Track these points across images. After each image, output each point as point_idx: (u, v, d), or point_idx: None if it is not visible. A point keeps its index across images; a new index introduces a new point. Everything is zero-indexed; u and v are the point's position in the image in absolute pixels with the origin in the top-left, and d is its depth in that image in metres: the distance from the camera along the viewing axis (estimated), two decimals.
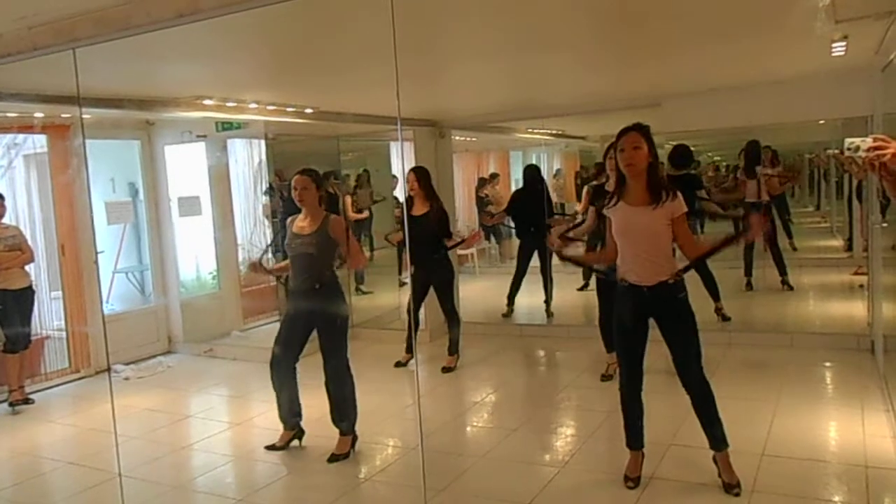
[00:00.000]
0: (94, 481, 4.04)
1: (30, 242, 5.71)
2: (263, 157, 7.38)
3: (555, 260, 7.20)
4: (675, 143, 6.52)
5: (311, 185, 4.09)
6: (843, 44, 4.11)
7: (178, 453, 4.51)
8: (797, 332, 6.02)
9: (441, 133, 7.35)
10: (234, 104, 5.55)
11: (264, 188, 7.53)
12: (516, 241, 7.30)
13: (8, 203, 5.64)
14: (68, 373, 6.21)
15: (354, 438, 4.17)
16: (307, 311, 4.10)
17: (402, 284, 7.40)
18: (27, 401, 5.48)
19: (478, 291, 8.43)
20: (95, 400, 5.62)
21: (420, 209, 5.59)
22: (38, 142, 6.27)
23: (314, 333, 4.14)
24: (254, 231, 7.78)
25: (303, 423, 4.30)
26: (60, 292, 6.27)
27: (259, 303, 7.50)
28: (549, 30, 3.63)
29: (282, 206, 6.83)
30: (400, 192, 8.28)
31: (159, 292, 7.09)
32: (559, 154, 9.56)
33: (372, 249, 8.23)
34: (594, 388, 5.18)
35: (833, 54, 4.38)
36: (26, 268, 5.56)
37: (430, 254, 5.59)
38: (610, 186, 4.29)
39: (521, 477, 3.79)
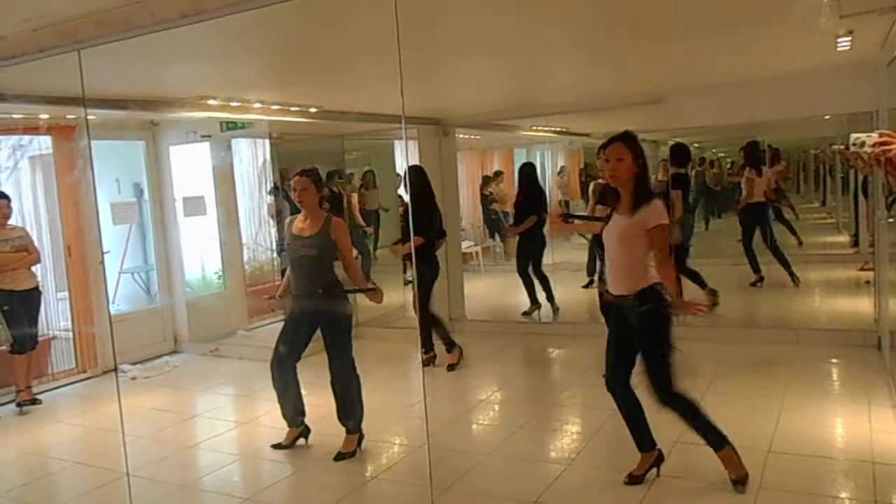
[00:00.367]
0: (101, 481, 4.06)
1: (36, 243, 5.74)
2: (268, 156, 7.40)
3: (555, 258, 7.23)
4: (676, 139, 6.53)
5: (311, 185, 4.06)
6: (849, 39, 4.09)
7: (184, 452, 4.53)
8: (803, 329, 6.00)
9: (445, 131, 7.35)
10: (238, 104, 5.56)
11: (269, 188, 7.55)
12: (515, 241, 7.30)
13: (14, 204, 5.65)
14: (75, 373, 6.23)
15: (360, 437, 4.18)
16: (311, 312, 4.11)
17: (406, 283, 7.40)
18: (35, 401, 5.50)
19: (482, 289, 8.43)
20: (102, 400, 5.66)
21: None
22: (44, 143, 6.30)
23: (318, 333, 4.14)
24: (258, 231, 7.80)
25: (309, 422, 4.31)
26: (67, 293, 6.29)
27: (264, 302, 7.50)
28: (553, 27, 3.62)
29: (287, 205, 6.84)
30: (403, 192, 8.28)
31: (165, 292, 7.11)
32: (563, 151, 9.56)
33: (376, 248, 8.24)
34: (599, 385, 5.02)
35: (838, 49, 4.36)
36: (33, 269, 5.58)
37: (418, 250, 5.62)
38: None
39: (527, 474, 3.79)
